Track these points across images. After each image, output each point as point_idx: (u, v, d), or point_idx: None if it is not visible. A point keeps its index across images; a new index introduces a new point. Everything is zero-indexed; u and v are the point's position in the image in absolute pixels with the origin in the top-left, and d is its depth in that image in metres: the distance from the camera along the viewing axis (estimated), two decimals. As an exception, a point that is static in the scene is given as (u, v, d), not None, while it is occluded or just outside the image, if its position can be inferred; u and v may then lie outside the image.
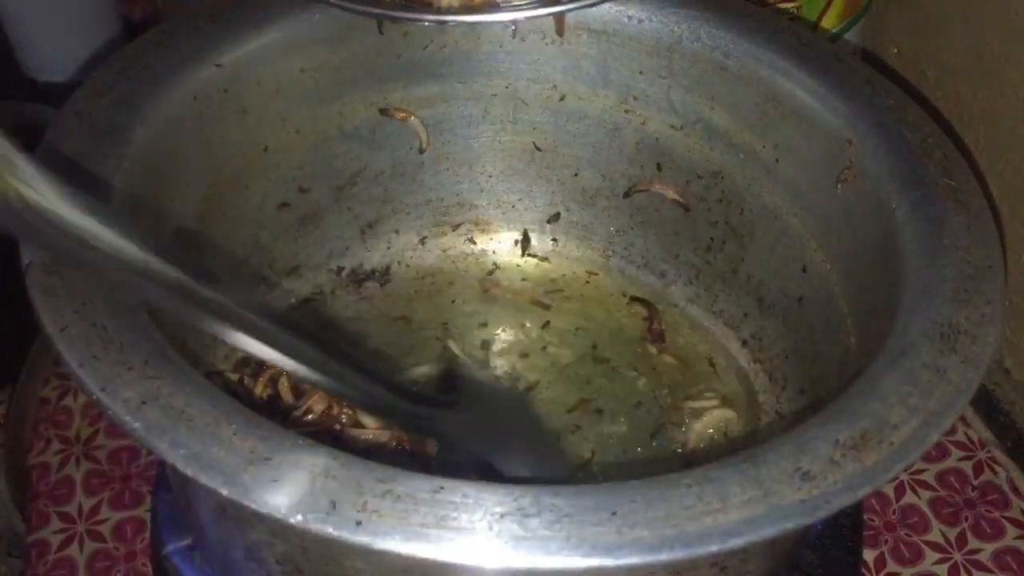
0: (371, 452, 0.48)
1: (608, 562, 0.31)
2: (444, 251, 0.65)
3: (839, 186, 0.50)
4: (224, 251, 0.55)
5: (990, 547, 0.56)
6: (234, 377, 0.56)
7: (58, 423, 0.59)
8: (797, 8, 0.66)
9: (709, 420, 0.57)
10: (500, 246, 0.66)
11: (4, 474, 0.62)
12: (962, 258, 0.42)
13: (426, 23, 0.51)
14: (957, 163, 0.47)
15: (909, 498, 0.58)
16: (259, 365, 0.52)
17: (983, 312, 0.40)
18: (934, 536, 0.56)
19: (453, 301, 0.63)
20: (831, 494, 0.33)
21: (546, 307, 0.63)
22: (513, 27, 0.57)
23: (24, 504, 0.58)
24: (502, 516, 0.32)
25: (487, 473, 0.48)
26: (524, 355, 0.60)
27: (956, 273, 0.41)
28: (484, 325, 0.62)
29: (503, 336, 0.61)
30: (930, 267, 0.42)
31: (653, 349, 0.60)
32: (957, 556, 0.56)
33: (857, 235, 0.48)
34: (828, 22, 0.67)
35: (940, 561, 0.55)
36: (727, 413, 0.57)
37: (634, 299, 0.63)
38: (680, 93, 0.57)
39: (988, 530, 0.57)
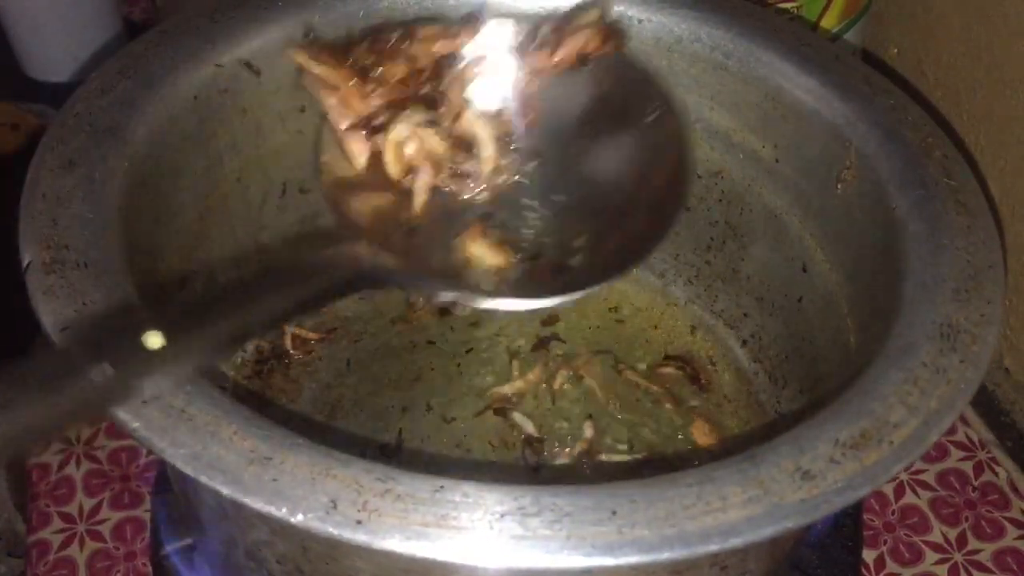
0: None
1: (608, 561, 0.31)
2: (444, 251, 0.65)
3: (839, 186, 0.50)
4: (224, 251, 0.55)
5: (990, 547, 0.56)
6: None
7: (58, 423, 0.59)
8: (797, 8, 0.66)
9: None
10: (500, 246, 0.66)
11: (4, 474, 0.62)
12: (962, 258, 0.42)
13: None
14: (957, 163, 0.47)
15: (909, 498, 0.58)
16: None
17: (983, 312, 0.40)
18: (934, 536, 0.56)
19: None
20: (831, 493, 0.33)
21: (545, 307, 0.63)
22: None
23: (24, 504, 0.58)
24: (502, 515, 0.32)
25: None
26: (523, 353, 0.60)
27: (956, 273, 0.41)
28: (483, 323, 0.62)
29: (503, 336, 0.61)
30: (930, 267, 0.42)
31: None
32: (957, 556, 0.56)
33: (857, 235, 0.48)
34: (828, 22, 0.67)
35: (940, 561, 0.55)
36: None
37: (669, 358, 0.60)
38: (680, 93, 0.57)
39: (988, 530, 0.57)
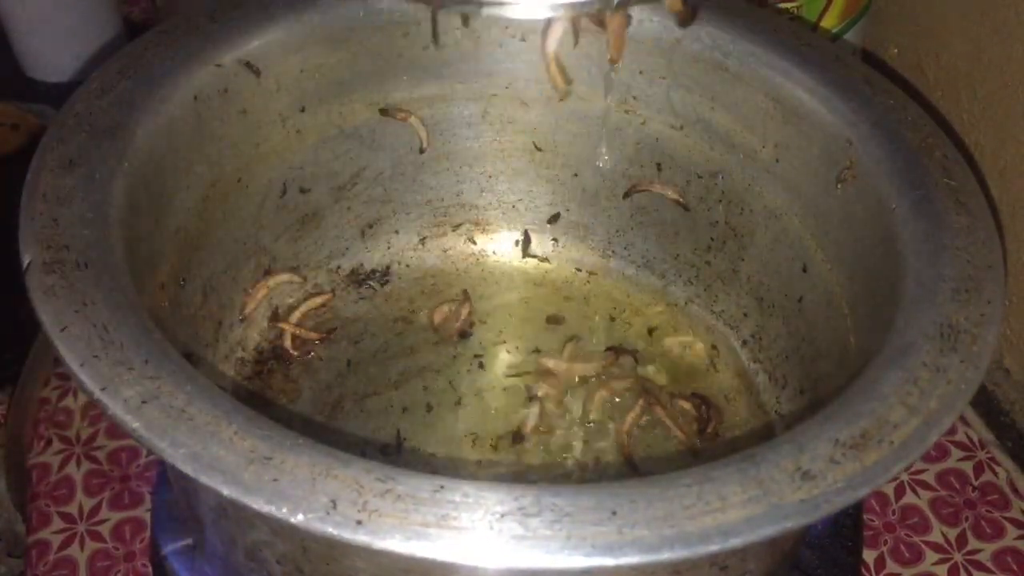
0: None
1: (608, 562, 0.31)
2: (444, 251, 0.65)
3: (839, 186, 0.50)
4: (224, 251, 0.55)
5: (990, 547, 0.56)
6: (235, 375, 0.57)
7: (58, 423, 0.59)
8: (797, 8, 0.66)
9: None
10: (500, 246, 0.66)
11: (4, 474, 0.62)
12: (962, 258, 0.42)
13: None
14: (957, 163, 0.47)
15: (909, 498, 0.58)
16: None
17: (983, 312, 0.40)
18: (934, 536, 0.56)
19: (454, 301, 0.63)
20: (831, 494, 0.33)
21: (545, 307, 0.63)
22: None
23: (24, 504, 0.58)
24: (503, 516, 0.32)
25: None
26: (523, 353, 0.60)
27: (956, 273, 0.41)
28: (484, 323, 0.62)
29: (503, 336, 0.61)
30: (930, 267, 0.42)
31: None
32: (957, 556, 0.56)
33: (857, 235, 0.48)
34: (828, 22, 0.67)
35: (940, 561, 0.55)
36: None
37: (695, 395, 0.58)
38: (680, 93, 0.57)
39: (988, 530, 0.57)
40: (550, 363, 0.59)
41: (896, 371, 0.37)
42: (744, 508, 0.32)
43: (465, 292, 0.63)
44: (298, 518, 0.31)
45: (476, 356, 0.60)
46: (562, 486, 0.33)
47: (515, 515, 0.32)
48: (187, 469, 0.33)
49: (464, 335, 0.61)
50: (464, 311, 0.61)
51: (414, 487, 0.32)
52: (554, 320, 0.62)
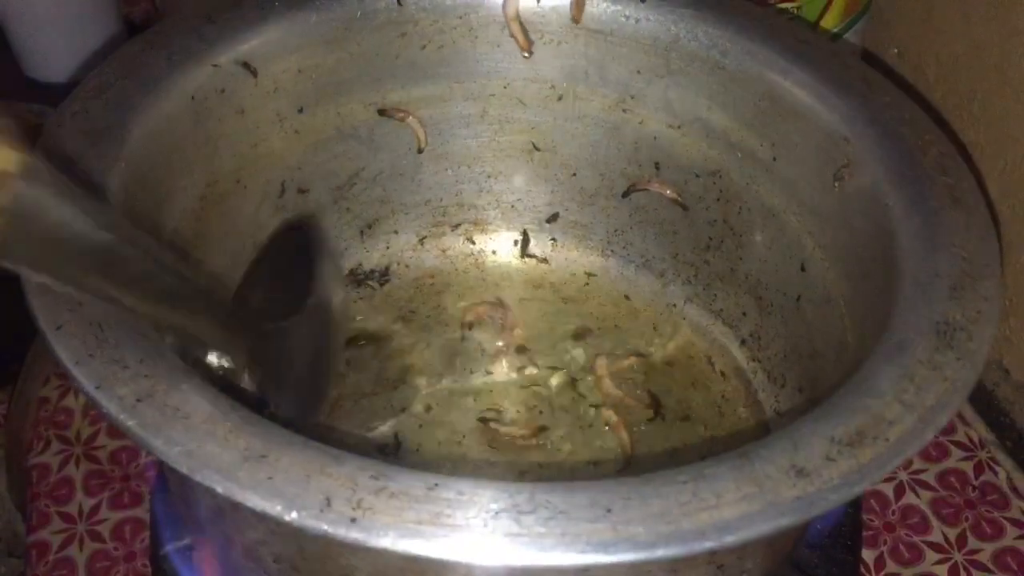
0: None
1: (603, 559, 0.31)
2: (443, 251, 0.65)
3: (837, 184, 0.50)
4: (222, 252, 0.55)
5: (990, 547, 0.56)
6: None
7: (58, 423, 0.59)
8: (797, 8, 0.66)
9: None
10: (499, 246, 0.66)
11: (4, 474, 0.62)
12: (959, 255, 0.42)
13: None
14: (953, 160, 0.47)
15: (909, 498, 0.58)
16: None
17: (980, 309, 0.40)
18: (934, 536, 0.56)
19: (453, 301, 0.63)
20: (826, 491, 0.33)
21: (544, 307, 0.63)
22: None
23: (24, 504, 0.58)
24: (497, 513, 0.32)
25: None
26: (523, 354, 0.60)
27: (953, 270, 0.41)
28: (482, 323, 0.62)
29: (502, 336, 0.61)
30: (927, 264, 0.42)
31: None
32: (957, 556, 0.55)
33: (854, 233, 0.48)
34: (828, 22, 0.67)
35: (940, 561, 0.55)
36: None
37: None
38: (678, 92, 0.57)
39: (988, 530, 0.56)
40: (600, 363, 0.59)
41: (892, 368, 0.37)
42: (739, 505, 0.32)
43: (500, 299, 0.62)
44: (292, 516, 0.31)
45: (477, 356, 0.60)
46: (556, 483, 0.33)
47: (509, 512, 0.32)
48: (182, 467, 0.33)
49: (470, 326, 0.61)
50: (507, 318, 0.61)
51: (408, 485, 0.32)
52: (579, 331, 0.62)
